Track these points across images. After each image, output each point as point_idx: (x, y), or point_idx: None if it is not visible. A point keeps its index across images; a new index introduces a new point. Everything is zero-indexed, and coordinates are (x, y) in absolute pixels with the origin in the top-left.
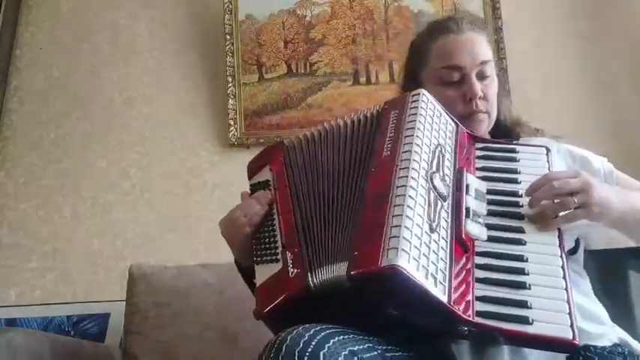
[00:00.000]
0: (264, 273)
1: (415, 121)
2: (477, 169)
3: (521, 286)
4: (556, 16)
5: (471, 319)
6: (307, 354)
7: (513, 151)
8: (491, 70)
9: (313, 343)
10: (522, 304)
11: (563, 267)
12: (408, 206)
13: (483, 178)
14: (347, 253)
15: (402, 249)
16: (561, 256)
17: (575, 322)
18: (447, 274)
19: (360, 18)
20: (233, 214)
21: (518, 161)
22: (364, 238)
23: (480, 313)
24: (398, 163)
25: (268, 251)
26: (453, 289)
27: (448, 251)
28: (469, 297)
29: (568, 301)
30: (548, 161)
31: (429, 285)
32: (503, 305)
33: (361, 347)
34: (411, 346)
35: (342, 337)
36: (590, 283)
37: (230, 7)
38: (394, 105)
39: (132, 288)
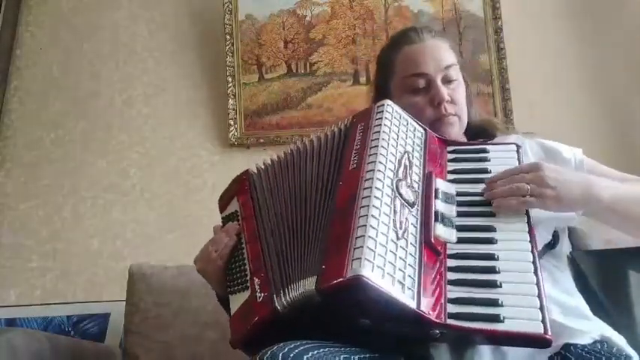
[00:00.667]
0: (236, 302)
1: (379, 132)
2: (449, 172)
3: (492, 284)
4: (556, 16)
5: (442, 321)
6: None
7: (484, 151)
8: (456, 73)
9: (292, 356)
10: (493, 303)
11: (534, 262)
12: (372, 216)
13: (455, 181)
14: (316, 268)
15: (366, 258)
16: (532, 251)
17: (548, 317)
18: (416, 279)
19: (360, 18)
20: (205, 250)
21: (489, 161)
22: (331, 251)
23: (451, 315)
24: (363, 174)
25: (239, 280)
26: (422, 294)
27: (417, 256)
28: (441, 300)
29: (539, 296)
30: (518, 159)
31: (395, 292)
32: (475, 305)
33: (338, 359)
34: (388, 352)
35: (316, 351)
36: (591, 282)
37: (230, 7)
38: (361, 118)
39: (132, 288)
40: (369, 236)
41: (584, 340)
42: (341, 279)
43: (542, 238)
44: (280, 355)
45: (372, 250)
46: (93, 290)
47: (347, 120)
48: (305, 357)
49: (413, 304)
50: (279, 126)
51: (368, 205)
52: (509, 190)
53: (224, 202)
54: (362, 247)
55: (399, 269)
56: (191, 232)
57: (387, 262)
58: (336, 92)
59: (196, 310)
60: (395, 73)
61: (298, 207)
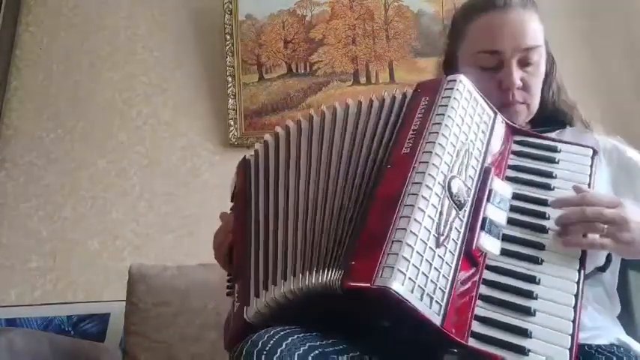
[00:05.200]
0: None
1: (444, 115)
2: (509, 167)
3: (525, 311)
4: (556, 16)
5: (463, 341)
6: (265, 353)
7: (554, 149)
8: (538, 56)
9: (271, 342)
10: (522, 332)
11: (577, 295)
12: (414, 219)
13: (513, 179)
14: (344, 260)
15: (399, 269)
16: (578, 282)
17: (575, 358)
18: (447, 291)
19: (360, 18)
20: (213, 243)
21: (557, 162)
22: (364, 247)
23: (475, 335)
24: (416, 165)
25: (232, 282)
26: (450, 308)
27: (453, 266)
28: (468, 314)
29: (572, 335)
30: (591, 166)
31: (421, 307)
32: (502, 330)
33: (323, 342)
34: (383, 346)
35: (302, 334)
36: None
37: (230, 7)
38: (427, 89)
39: (132, 288)
40: (407, 243)
41: (599, 341)
42: (368, 284)
43: (594, 261)
44: (265, 336)
45: (407, 259)
46: (93, 290)
47: (410, 88)
48: (290, 338)
49: (437, 321)
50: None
51: (413, 205)
52: (582, 226)
53: (234, 183)
54: (397, 254)
55: (431, 281)
56: (191, 232)
57: (419, 274)
58: (336, 92)
59: (196, 310)
60: (465, 43)
61: (315, 188)
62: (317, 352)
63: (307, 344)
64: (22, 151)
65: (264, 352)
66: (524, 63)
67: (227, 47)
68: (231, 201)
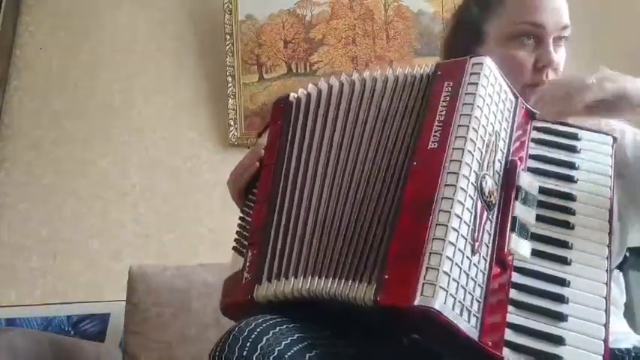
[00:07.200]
0: (235, 263)
1: (472, 104)
2: (531, 156)
3: (558, 316)
4: None
5: (497, 352)
6: (247, 345)
7: (575, 137)
8: (565, 38)
9: (253, 335)
10: (557, 340)
11: (606, 297)
12: (452, 228)
13: (535, 171)
14: (375, 268)
15: (440, 286)
16: (607, 283)
17: None
18: (482, 301)
19: (360, 18)
20: (232, 173)
21: (579, 152)
22: (398, 259)
23: (508, 344)
24: (446, 163)
25: (241, 241)
26: (485, 320)
27: (487, 273)
28: (501, 323)
29: (605, 340)
30: (612, 156)
31: (461, 323)
32: (536, 338)
33: (314, 335)
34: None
35: (289, 325)
36: None
37: (230, 7)
38: (449, 73)
39: (132, 288)
40: (447, 256)
41: (623, 345)
42: (408, 303)
43: (615, 261)
44: (246, 330)
45: (448, 274)
46: (93, 290)
47: (431, 68)
48: (277, 328)
49: (476, 335)
50: None
51: (449, 212)
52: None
53: (262, 129)
54: (437, 269)
55: (469, 292)
56: (191, 232)
57: (459, 287)
58: None
59: (196, 310)
60: (501, 14)
61: (345, 173)
62: (306, 343)
63: (296, 335)
64: (22, 151)
65: (248, 344)
66: (557, 42)
67: (227, 47)
68: (258, 136)
